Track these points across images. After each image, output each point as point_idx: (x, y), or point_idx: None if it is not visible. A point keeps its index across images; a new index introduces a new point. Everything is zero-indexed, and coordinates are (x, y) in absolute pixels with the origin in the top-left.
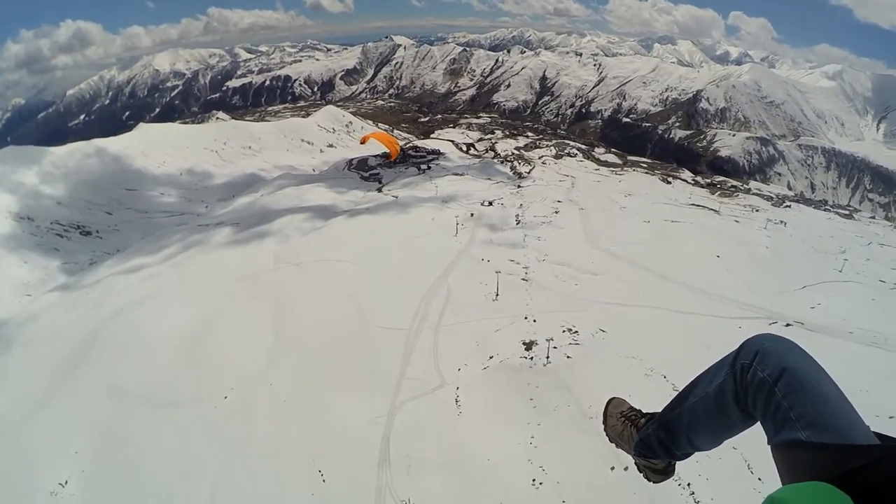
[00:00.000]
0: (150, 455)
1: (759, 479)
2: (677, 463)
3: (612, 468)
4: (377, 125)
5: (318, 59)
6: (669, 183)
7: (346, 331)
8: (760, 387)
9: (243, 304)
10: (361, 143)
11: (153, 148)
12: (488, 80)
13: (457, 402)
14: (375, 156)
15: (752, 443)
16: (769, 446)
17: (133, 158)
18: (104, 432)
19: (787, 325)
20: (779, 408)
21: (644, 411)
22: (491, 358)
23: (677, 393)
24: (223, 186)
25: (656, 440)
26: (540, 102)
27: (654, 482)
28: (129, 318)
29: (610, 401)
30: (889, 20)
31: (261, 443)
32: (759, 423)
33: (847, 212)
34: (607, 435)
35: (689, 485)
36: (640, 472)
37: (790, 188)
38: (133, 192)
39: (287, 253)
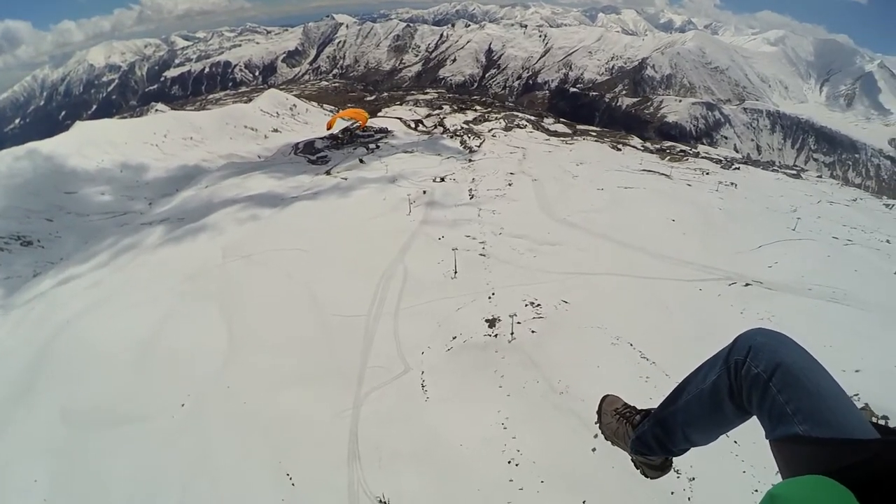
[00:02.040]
0: (111, 476)
1: (735, 441)
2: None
3: (594, 449)
4: (322, 106)
5: (258, 43)
6: (619, 150)
7: (303, 323)
8: (755, 382)
9: (193, 305)
10: (328, 128)
11: (90, 146)
12: (434, 55)
13: (423, 387)
14: (322, 138)
15: None
16: (767, 441)
17: (70, 159)
18: (62, 457)
19: (747, 284)
20: (775, 403)
21: (639, 408)
22: (454, 338)
23: (672, 390)
24: (166, 181)
25: (652, 437)
26: (487, 75)
27: (651, 478)
28: (77, 332)
29: (604, 398)
30: None
31: (223, 451)
32: (754, 417)
33: (795, 171)
34: (603, 433)
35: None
36: (637, 468)
37: (737, 151)
38: (72, 195)
39: (235, 245)
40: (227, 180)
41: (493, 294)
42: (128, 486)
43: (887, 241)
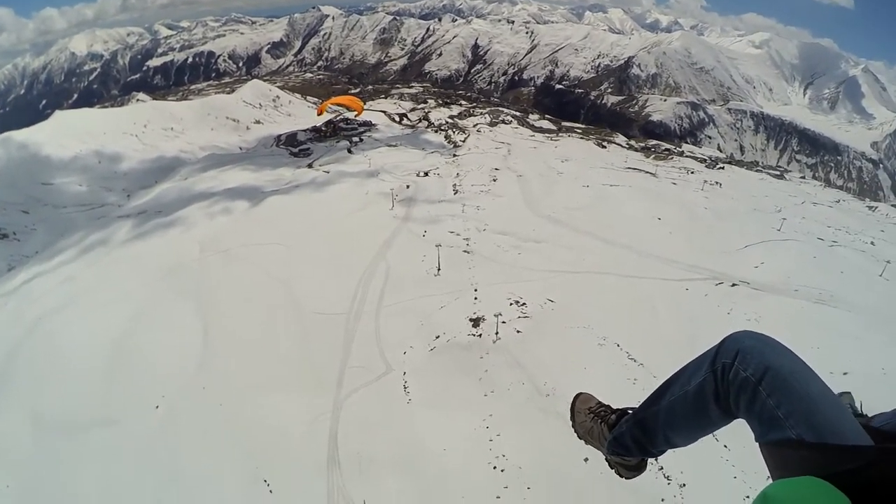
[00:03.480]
0: (81, 484)
1: (725, 446)
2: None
3: (586, 459)
4: (306, 98)
5: (242, 33)
6: (605, 147)
7: (281, 321)
8: (744, 386)
9: (168, 302)
10: (318, 114)
11: (69, 136)
12: (420, 49)
13: (405, 388)
14: (304, 130)
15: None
16: (757, 444)
17: (46, 148)
18: (31, 463)
19: (733, 284)
20: (765, 407)
21: (613, 407)
22: (437, 338)
23: (653, 391)
24: (145, 172)
25: (631, 438)
26: (472, 71)
27: (626, 478)
28: (49, 330)
29: (577, 396)
30: None
31: (198, 456)
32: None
33: (778, 172)
34: (576, 432)
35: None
36: (612, 468)
37: (721, 150)
38: (49, 187)
39: (213, 240)
40: (206, 172)
41: (477, 292)
42: (98, 492)
43: (872, 243)
